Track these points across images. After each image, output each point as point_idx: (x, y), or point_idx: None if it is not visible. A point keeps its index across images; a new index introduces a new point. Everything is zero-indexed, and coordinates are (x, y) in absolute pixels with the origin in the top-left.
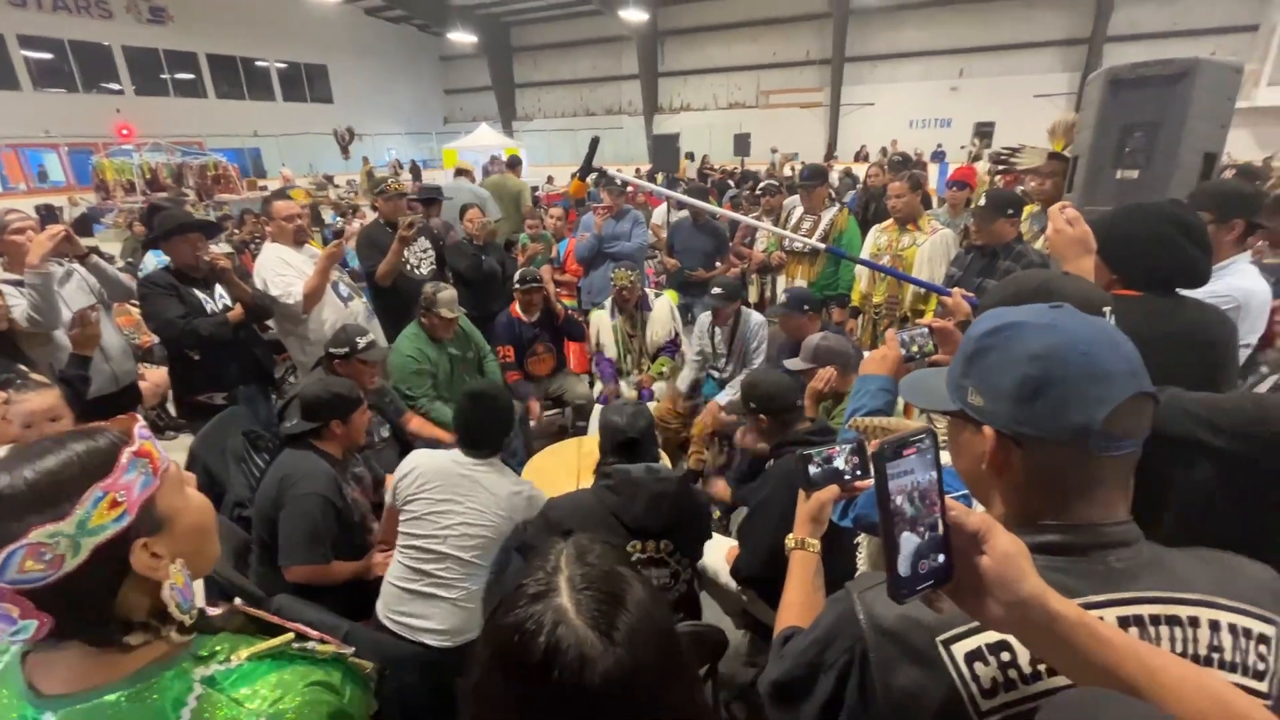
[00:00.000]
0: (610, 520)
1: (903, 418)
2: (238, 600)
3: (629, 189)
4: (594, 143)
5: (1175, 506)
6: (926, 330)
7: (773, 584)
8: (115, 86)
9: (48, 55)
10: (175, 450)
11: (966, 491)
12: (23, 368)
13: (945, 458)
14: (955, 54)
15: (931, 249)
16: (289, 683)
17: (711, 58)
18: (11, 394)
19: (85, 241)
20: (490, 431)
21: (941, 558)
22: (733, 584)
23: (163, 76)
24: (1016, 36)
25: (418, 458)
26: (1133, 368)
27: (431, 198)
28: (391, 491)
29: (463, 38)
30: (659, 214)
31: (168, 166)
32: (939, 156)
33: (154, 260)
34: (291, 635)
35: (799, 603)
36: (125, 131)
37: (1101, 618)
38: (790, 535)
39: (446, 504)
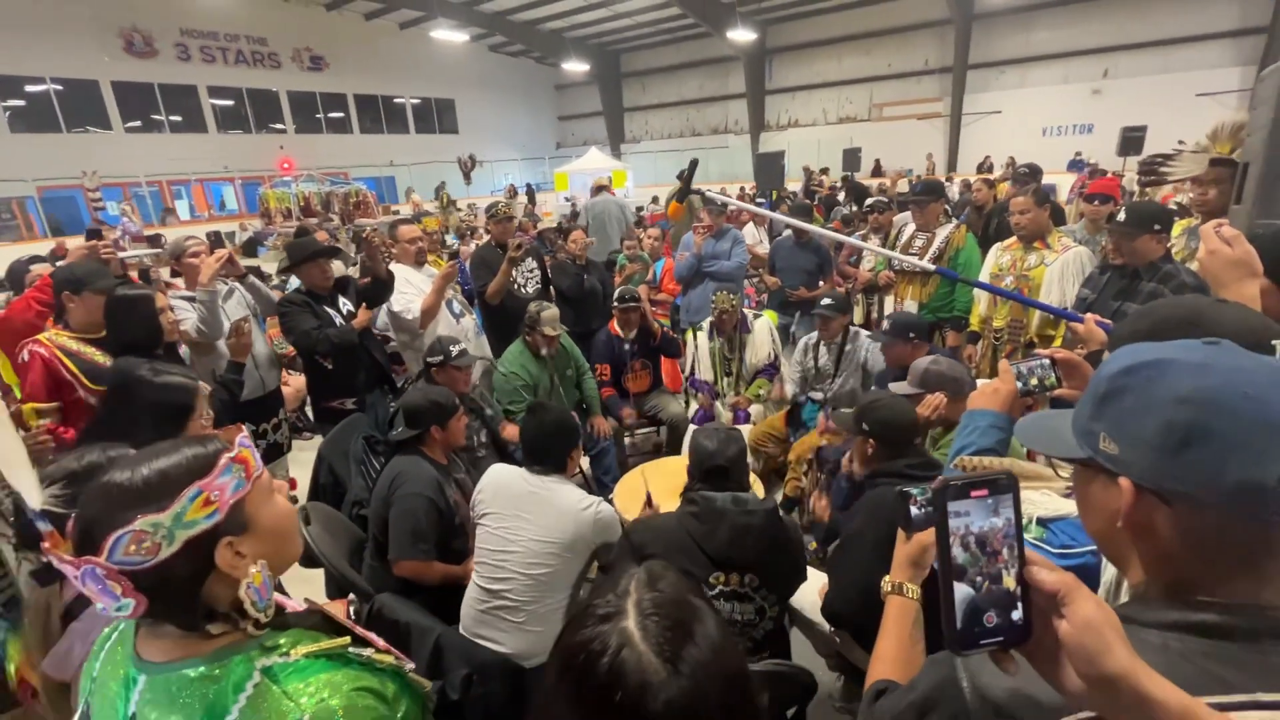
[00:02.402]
0: (692, 548)
1: (1021, 459)
2: (324, 601)
3: (729, 209)
4: (692, 165)
5: None
6: (1048, 361)
7: (865, 626)
8: (280, 126)
9: (229, 102)
10: (309, 450)
11: (1094, 547)
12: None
13: (1063, 506)
14: (1098, 53)
15: (1062, 268)
16: (338, 683)
17: (821, 72)
18: None
19: (250, 262)
20: (552, 446)
21: (1017, 615)
22: (826, 624)
23: (317, 116)
24: (1175, 30)
25: (493, 473)
26: None
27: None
28: (472, 507)
29: (576, 67)
30: (749, 233)
31: (318, 195)
32: (1078, 165)
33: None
34: (348, 639)
35: (893, 655)
36: (286, 165)
37: None
38: (887, 578)
39: (514, 519)
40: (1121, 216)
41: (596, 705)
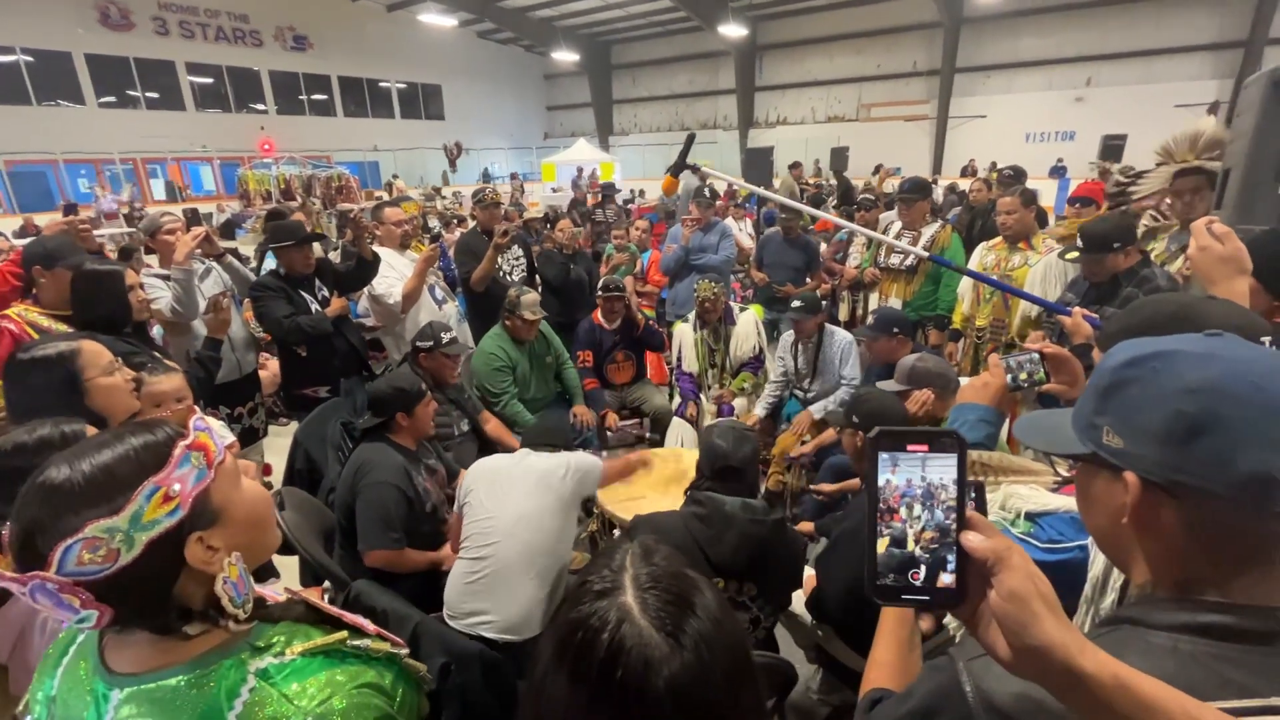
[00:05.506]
0: (694, 550)
1: (1007, 453)
2: (299, 589)
3: (719, 201)
4: (689, 139)
5: None
6: (1037, 356)
7: (849, 624)
8: (261, 107)
9: (208, 80)
10: (285, 436)
11: (1085, 542)
12: (156, 354)
13: (1051, 501)
14: (1082, 61)
15: (1045, 269)
16: (339, 683)
17: (811, 71)
18: (145, 375)
19: (227, 244)
20: (541, 442)
21: (948, 577)
22: (808, 615)
23: (300, 97)
24: (1156, 41)
25: (478, 463)
26: None
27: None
28: (457, 499)
29: (565, 57)
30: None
31: (299, 178)
32: (1059, 172)
33: (272, 261)
34: (345, 634)
35: (890, 662)
36: (267, 147)
37: None
38: None
39: (504, 487)
40: (1080, 244)
41: (597, 683)
